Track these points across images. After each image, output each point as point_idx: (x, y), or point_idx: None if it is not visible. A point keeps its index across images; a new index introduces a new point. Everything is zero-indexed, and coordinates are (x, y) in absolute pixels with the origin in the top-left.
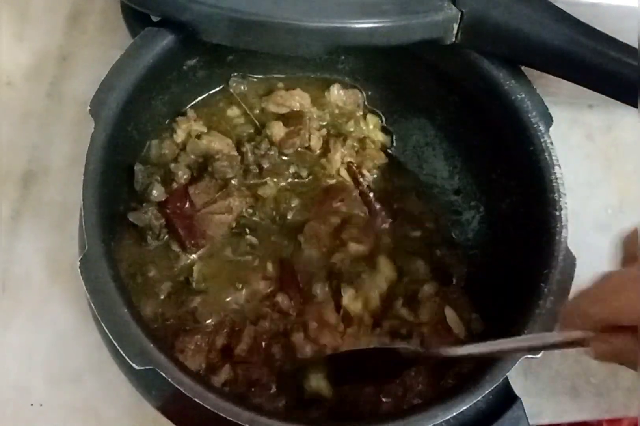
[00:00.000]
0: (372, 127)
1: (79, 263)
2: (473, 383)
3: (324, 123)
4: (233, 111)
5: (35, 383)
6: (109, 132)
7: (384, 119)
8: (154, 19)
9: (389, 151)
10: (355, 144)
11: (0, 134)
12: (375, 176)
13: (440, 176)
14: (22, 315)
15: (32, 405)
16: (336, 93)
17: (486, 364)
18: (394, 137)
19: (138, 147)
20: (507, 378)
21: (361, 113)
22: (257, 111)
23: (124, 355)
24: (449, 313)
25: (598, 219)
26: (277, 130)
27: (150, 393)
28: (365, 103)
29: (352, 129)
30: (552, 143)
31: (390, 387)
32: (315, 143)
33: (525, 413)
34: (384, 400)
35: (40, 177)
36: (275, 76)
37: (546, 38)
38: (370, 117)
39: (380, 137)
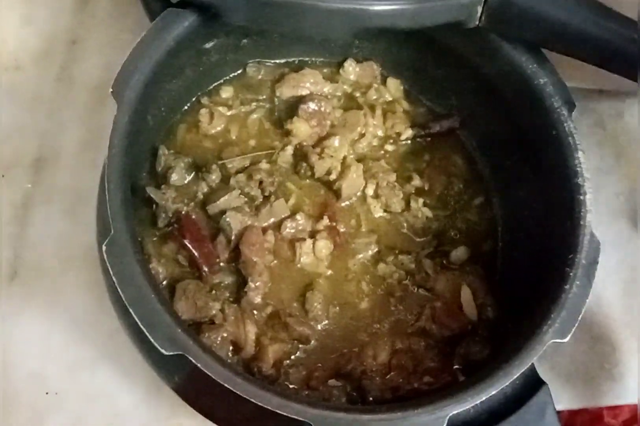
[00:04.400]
0: (394, 91)
1: (104, 248)
2: (501, 368)
3: (340, 101)
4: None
5: (50, 371)
6: (131, 115)
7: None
8: (173, 0)
9: None
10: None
11: (10, 119)
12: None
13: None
14: (35, 303)
15: (47, 393)
16: (350, 69)
17: (512, 349)
18: None
19: (153, 131)
20: (533, 363)
21: (379, 82)
22: (276, 103)
23: (152, 340)
24: (465, 294)
25: (610, 206)
26: (303, 129)
27: (173, 378)
28: (382, 72)
29: (375, 97)
30: (575, 128)
31: (401, 358)
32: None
33: (551, 398)
34: (392, 374)
35: (51, 163)
36: (289, 60)
37: (569, 21)
38: (390, 82)
39: (404, 104)
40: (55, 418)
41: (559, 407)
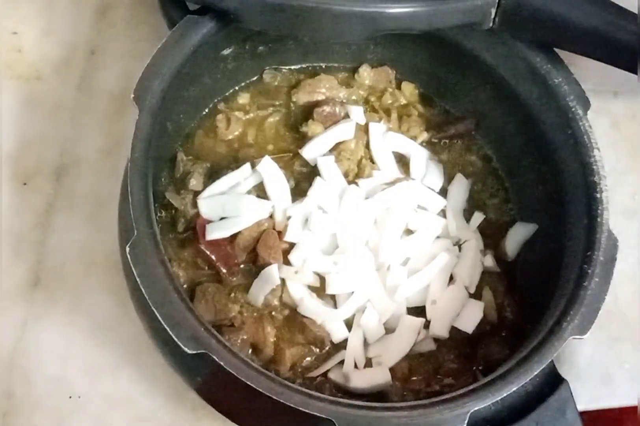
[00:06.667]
0: (409, 95)
1: (127, 249)
2: (521, 365)
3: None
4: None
5: (72, 375)
6: (152, 120)
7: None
8: (191, 7)
9: None
10: (397, 115)
11: (31, 127)
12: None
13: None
14: (58, 307)
15: (70, 397)
16: (365, 74)
17: (532, 346)
18: None
19: (172, 137)
20: (552, 361)
21: (394, 86)
22: (292, 108)
23: (176, 339)
24: (486, 295)
25: (626, 205)
26: (319, 131)
27: (195, 379)
28: (397, 77)
29: (390, 101)
30: (590, 126)
31: (421, 362)
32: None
33: (572, 395)
34: (413, 378)
35: (73, 170)
36: (305, 66)
37: (582, 20)
38: (405, 86)
39: (419, 108)
40: (78, 421)
41: (579, 407)
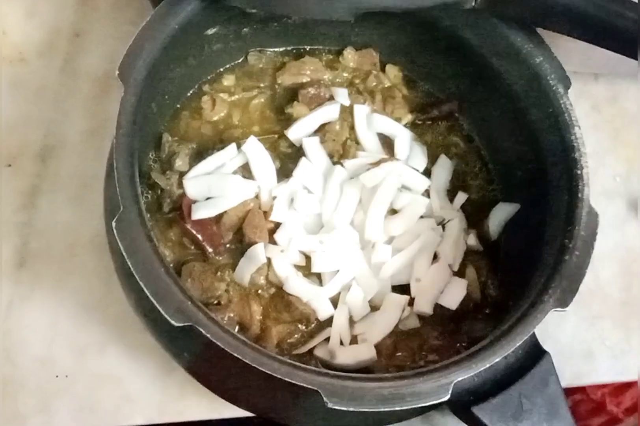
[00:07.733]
0: (393, 77)
1: (114, 224)
2: (504, 336)
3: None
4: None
5: (59, 354)
6: (137, 97)
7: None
8: None
9: None
10: (381, 97)
11: (15, 109)
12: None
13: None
14: (43, 288)
15: (57, 376)
16: (350, 56)
17: (515, 318)
18: None
19: (157, 118)
20: (534, 334)
21: (378, 69)
22: (277, 90)
23: (162, 312)
24: (469, 272)
25: (606, 187)
26: (304, 113)
27: (183, 355)
28: (381, 59)
29: (374, 84)
30: (571, 104)
31: (406, 339)
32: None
33: (554, 367)
34: (398, 354)
35: (57, 151)
36: (290, 48)
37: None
38: (389, 68)
39: (404, 90)
40: (65, 400)
41: (561, 384)
